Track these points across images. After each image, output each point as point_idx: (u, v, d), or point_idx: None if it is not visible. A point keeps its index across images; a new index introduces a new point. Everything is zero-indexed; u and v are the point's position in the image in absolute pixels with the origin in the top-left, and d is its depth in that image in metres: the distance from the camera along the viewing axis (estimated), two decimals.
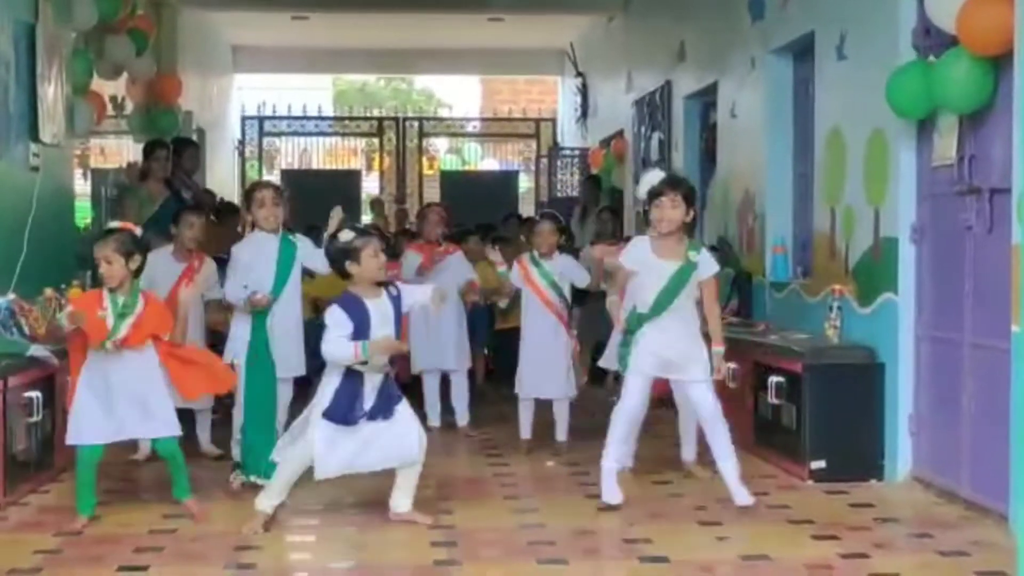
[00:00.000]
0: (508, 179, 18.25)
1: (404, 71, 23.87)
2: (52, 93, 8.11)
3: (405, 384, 9.74)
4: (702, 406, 6.07)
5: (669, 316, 6.01)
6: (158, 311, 5.92)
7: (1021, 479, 4.92)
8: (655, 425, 7.15)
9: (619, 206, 13.26)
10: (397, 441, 5.70)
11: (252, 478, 6.42)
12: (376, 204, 17.27)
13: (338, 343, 5.49)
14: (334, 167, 18.48)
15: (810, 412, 6.73)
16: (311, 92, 22.44)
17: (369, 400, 5.61)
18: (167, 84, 11.32)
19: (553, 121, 18.59)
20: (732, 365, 7.01)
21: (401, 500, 5.84)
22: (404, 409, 5.75)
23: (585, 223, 12.80)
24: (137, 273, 5.87)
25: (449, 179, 18.20)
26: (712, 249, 10.09)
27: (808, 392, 6.76)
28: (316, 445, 5.56)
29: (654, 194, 6.02)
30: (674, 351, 6.03)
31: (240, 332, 6.61)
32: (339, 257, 5.65)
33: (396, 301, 5.69)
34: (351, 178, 17.71)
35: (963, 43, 5.74)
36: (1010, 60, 5.30)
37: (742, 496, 6.03)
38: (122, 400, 5.76)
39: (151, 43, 10.65)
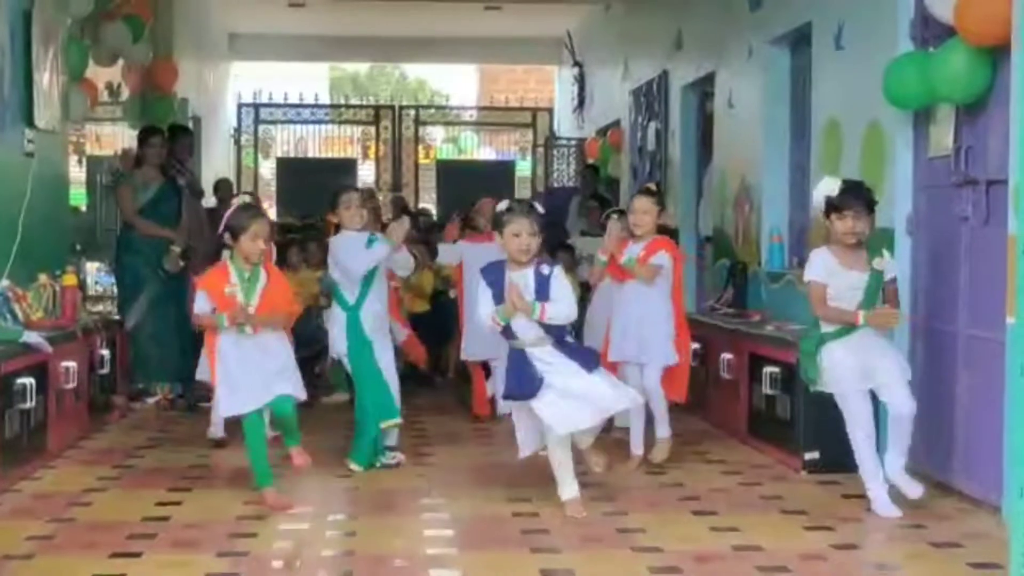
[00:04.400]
0: (504, 168, 18.23)
1: (401, 59, 23.85)
2: (47, 79, 8.09)
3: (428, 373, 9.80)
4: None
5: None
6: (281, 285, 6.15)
7: (1014, 471, 4.91)
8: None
9: (615, 195, 13.25)
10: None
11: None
12: (368, 192, 17.21)
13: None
14: (330, 155, 18.45)
15: (804, 403, 6.72)
16: (306, 80, 22.40)
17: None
18: (163, 71, 11.29)
19: (550, 110, 18.57)
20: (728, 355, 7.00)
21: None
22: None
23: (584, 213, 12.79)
24: None
25: (445, 168, 18.19)
26: (707, 240, 10.17)
27: (802, 383, 6.74)
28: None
29: (837, 206, 5.78)
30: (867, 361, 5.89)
31: (337, 330, 6.88)
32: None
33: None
34: (347, 167, 17.67)
35: (961, 34, 5.72)
36: (1007, 51, 5.28)
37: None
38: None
39: (147, 30, 10.60)
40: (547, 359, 5.75)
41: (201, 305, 5.99)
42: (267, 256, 6.22)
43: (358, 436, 6.79)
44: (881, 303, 5.83)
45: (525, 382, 5.74)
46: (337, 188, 7.19)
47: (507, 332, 5.81)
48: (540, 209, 5.91)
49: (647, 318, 6.78)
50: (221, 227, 6.04)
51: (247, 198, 6.38)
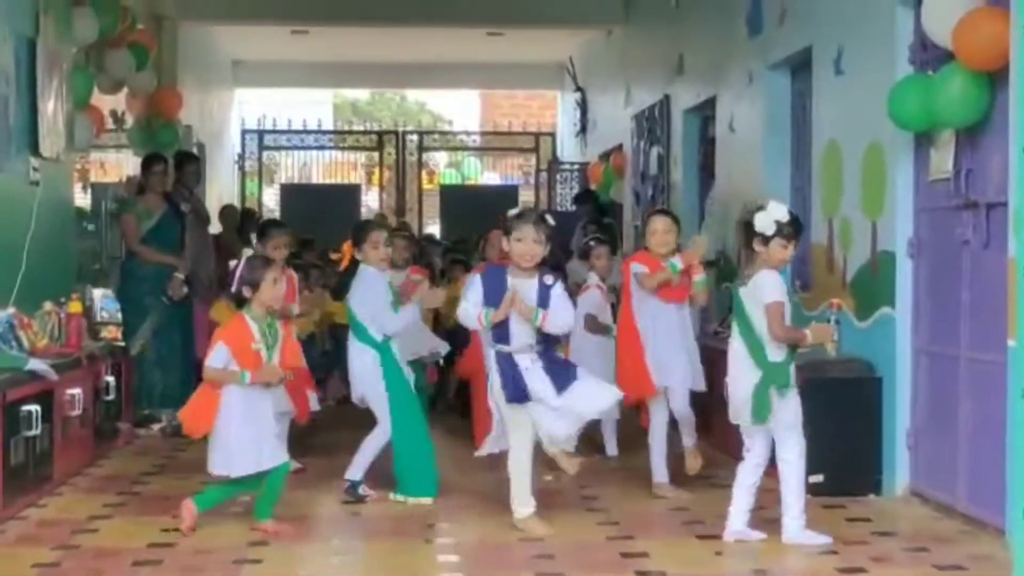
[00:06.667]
0: (508, 193, 18.28)
1: (404, 85, 23.96)
2: (52, 107, 8.13)
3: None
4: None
5: None
6: (292, 340, 6.14)
7: (1017, 493, 4.92)
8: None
9: (618, 220, 13.29)
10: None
11: (408, 499, 6.55)
12: (380, 219, 17.29)
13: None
14: (334, 181, 18.51)
15: (807, 426, 6.71)
16: (309, 106, 22.48)
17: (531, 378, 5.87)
18: (167, 98, 11.35)
19: (552, 135, 18.64)
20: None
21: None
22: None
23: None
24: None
25: (449, 193, 18.24)
26: (710, 264, 10.18)
27: (805, 406, 6.74)
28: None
29: (787, 234, 5.70)
30: None
31: (367, 367, 6.66)
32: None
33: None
34: (351, 192, 17.73)
35: (959, 58, 5.76)
36: (1006, 74, 5.32)
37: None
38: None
39: (151, 57, 10.68)
40: (527, 364, 5.87)
41: (221, 359, 5.76)
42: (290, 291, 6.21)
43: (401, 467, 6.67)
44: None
45: (521, 387, 5.85)
46: (362, 222, 7.16)
47: (497, 336, 5.86)
48: (551, 221, 5.97)
49: (684, 343, 6.84)
50: (235, 285, 5.86)
51: (250, 251, 6.33)
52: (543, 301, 5.83)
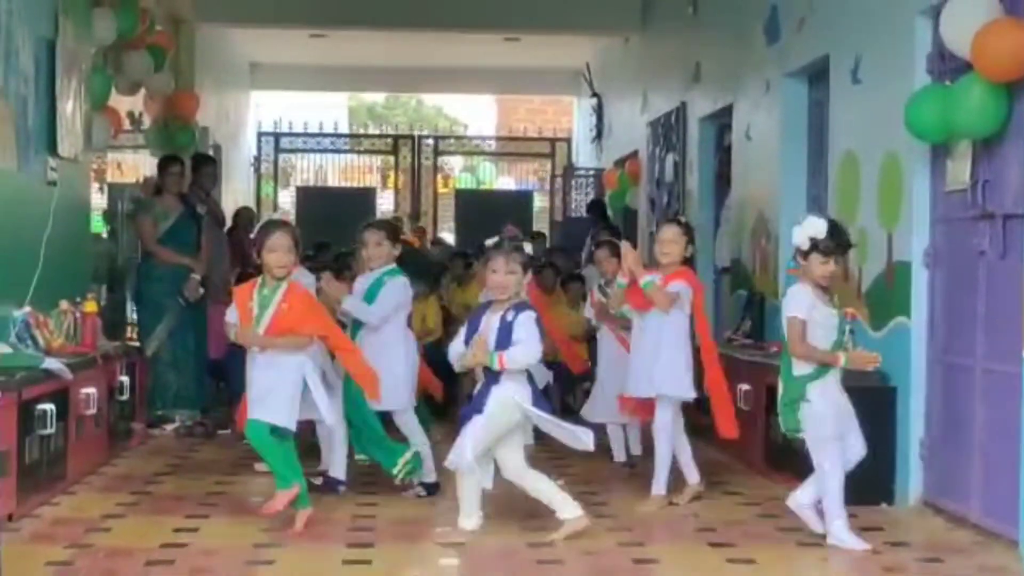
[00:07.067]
0: (522, 198, 18.30)
1: (421, 90, 24.01)
2: (71, 108, 8.17)
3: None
4: None
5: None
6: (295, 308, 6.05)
7: None
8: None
9: (632, 226, 13.28)
10: None
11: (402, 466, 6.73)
12: (395, 221, 17.33)
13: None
14: (349, 184, 18.55)
15: None
16: (325, 109, 22.55)
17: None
18: (184, 100, 11.39)
19: (568, 141, 18.65)
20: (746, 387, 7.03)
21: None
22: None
23: None
24: None
25: (464, 198, 18.27)
26: (724, 271, 10.18)
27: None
28: None
29: (824, 250, 5.69)
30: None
31: None
32: None
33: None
34: (366, 196, 17.77)
35: (977, 69, 5.75)
36: None
37: None
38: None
39: (169, 59, 10.73)
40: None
41: (229, 316, 6.14)
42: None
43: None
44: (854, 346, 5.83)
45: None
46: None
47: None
48: (527, 249, 5.92)
49: (660, 351, 6.70)
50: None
51: (276, 215, 6.52)
52: (503, 338, 5.72)
